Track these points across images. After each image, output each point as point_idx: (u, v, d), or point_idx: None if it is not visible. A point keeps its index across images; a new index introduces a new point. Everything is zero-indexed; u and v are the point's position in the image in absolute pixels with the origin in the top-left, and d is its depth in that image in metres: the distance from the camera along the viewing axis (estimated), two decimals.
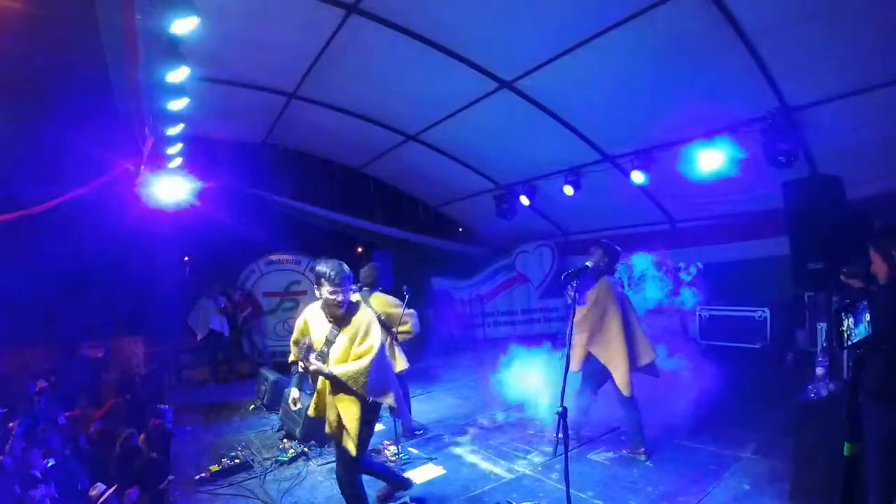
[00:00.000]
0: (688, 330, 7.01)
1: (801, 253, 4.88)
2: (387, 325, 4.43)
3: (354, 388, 2.87)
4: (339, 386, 2.93)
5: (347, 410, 2.95)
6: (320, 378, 3.02)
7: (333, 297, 2.90)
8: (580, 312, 4.51)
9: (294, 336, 3.22)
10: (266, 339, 9.05)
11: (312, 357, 2.96)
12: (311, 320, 3.11)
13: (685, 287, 6.17)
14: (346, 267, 2.96)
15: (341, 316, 2.98)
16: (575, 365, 4.51)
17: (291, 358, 3.25)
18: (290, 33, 5.11)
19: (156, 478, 4.43)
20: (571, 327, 3.23)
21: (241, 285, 9.15)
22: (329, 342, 2.97)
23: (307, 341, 2.99)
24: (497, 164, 7.94)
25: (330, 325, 3.00)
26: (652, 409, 4.87)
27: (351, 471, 3.09)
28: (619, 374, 4.18)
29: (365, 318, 3.03)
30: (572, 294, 4.51)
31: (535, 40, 4.94)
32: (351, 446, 2.94)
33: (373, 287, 4.68)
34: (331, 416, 3.02)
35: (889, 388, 2.47)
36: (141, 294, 8.81)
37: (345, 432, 2.96)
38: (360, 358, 2.92)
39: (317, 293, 2.99)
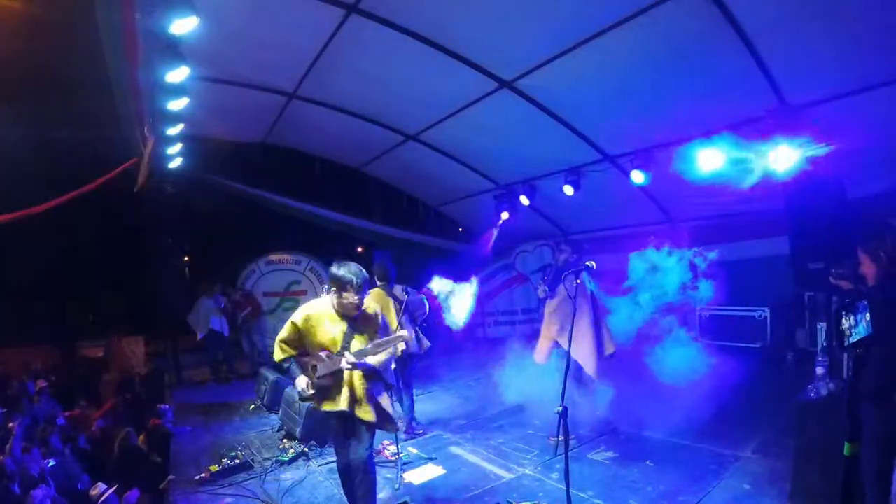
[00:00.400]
0: (689, 328, 6.98)
1: (801, 253, 4.86)
2: (411, 310, 4.98)
3: (383, 374, 3.17)
4: (374, 376, 3.16)
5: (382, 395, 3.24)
6: (346, 374, 3.09)
7: (357, 301, 3.06)
8: (551, 306, 4.86)
9: (286, 335, 3.17)
10: (266, 338, 9.03)
11: (349, 355, 3.03)
12: (318, 321, 3.13)
13: (702, 279, 5.97)
14: (364, 270, 3.10)
15: (355, 316, 3.15)
16: (541, 356, 4.89)
17: (278, 356, 3.22)
18: (290, 33, 5.10)
19: (155, 478, 4.42)
20: (571, 327, 3.24)
21: (241, 285, 9.15)
22: (347, 339, 3.10)
23: (373, 347, 3.05)
24: (497, 163, 7.93)
25: (346, 324, 3.13)
26: (652, 409, 4.88)
27: (371, 451, 3.26)
28: (590, 366, 4.60)
29: (378, 311, 3.29)
30: (544, 288, 4.69)
31: (534, 40, 4.93)
32: (389, 426, 3.28)
33: (389, 282, 5.06)
34: (370, 403, 3.14)
35: (883, 388, 2.48)
36: (141, 294, 8.83)
37: (383, 416, 3.20)
38: None
39: (334, 297, 3.09)
